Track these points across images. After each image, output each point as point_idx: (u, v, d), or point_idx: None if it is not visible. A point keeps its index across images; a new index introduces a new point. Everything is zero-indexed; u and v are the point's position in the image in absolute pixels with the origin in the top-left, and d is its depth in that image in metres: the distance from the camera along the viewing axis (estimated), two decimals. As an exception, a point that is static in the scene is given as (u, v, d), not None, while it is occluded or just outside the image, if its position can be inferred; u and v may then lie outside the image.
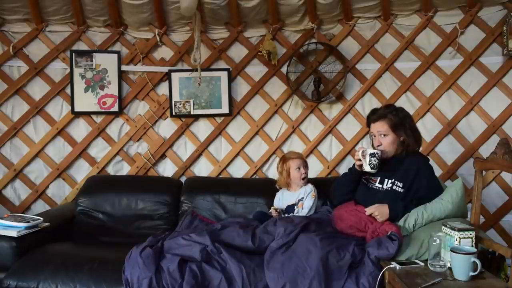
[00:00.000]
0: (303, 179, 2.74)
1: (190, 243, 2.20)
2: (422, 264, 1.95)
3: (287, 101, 3.36)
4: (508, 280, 2.04)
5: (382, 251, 2.01)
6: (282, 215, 2.64)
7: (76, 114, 3.34)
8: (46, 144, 3.32)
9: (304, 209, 2.65)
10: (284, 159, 2.81)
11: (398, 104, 3.04)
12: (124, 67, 3.37)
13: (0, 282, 2.20)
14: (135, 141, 3.39)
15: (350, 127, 3.30)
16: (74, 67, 3.30)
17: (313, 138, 3.32)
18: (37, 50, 3.33)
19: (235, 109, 3.37)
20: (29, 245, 2.39)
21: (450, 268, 1.84)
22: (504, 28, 2.99)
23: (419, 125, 3.13)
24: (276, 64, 3.30)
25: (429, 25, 3.21)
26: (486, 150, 3.01)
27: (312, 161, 3.27)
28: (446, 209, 2.20)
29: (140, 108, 3.41)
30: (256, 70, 3.38)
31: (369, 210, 2.25)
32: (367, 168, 2.33)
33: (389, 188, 2.35)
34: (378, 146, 2.40)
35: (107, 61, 3.34)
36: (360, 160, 2.35)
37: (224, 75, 3.34)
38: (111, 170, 3.38)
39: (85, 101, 3.31)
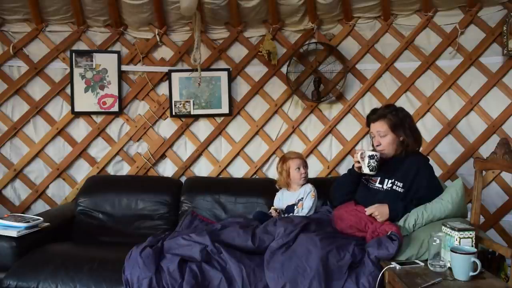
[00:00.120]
0: (303, 179, 2.74)
1: (190, 243, 2.20)
2: (422, 264, 1.95)
3: (287, 101, 3.36)
4: (508, 280, 2.04)
5: (382, 251, 2.01)
6: (282, 215, 2.64)
7: (76, 114, 3.34)
8: (46, 144, 3.32)
9: (304, 209, 2.65)
10: (284, 159, 2.81)
11: (398, 104, 3.04)
12: (124, 67, 3.37)
13: (0, 282, 2.20)
14: (135, 141, 3.39)
15: (350, 127, 3.30)
16: (74, 67, 3.30)
17: (313, 138, 3.32)
18: (37, 50, 3.33)
19: (235, 109, 3.37)
20: (29, 245, 2.39)
21: (450, 268, 1.84)
22: (504, 28, 2.99)
23: (419, 125, 3.12)
24: (276, 64, 3.30)
25: (429, 25, 3.21)
26: (486, 150, 3.01)
27: (312, 161, 3.27)
28: (446, 209, 2.20)
29: (140, 108, 3.41)
30: (256, 70, 3.38)
31: (369, 210, 2.25)
32: (366, 170, 2.33)
33: (389, 188, 2.35)
34: (377, 146, 2.41)
35: (107, 61, 3.34)
36: (359, 162, 2.35)
37: (224, 75, 3.34)
38: (111, 170, 3.38)
39: (85, 101, 3.31)
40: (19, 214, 2.67)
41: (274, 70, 3.34)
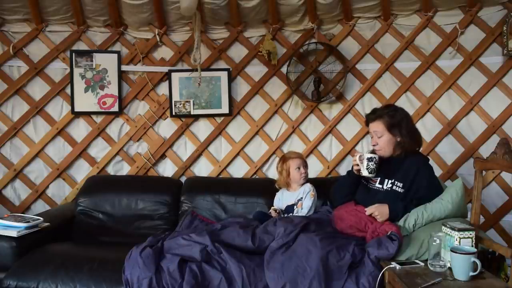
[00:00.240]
0: (303, 178, 2.74)
1: (190, 243, 2.20)
2: (422, 264, 1.95)
3: (287, 101, 3.36)
4: (508, 280, 2.04)
5: (382, 251, 2.01)
6: (282, 216, 2.64)
7: (76, 114, 3.34)
8: (46, 144, 3.32)
9: (303, 209, 2.65)
10: (284, 159, 2.81)
11: (398, 104, 3.04)
12: (124, 67, 3.37)
13: (0, 282, 2.20)
14: (135, 141, 3.39)
15: (350, 127, 3.30)
16: (74, 67, 3.30)
17: (313, 138, 3.32)
18: (37, 50, 3.33)
19: (235, 109, 3.37)
20: (29, 245, 2.39)
21: (450, 268, 1.84)
22: (504, 28, 2.99)
23: (419, 125, 3.13)
24: (276, 64, 3.30)
25: (429, 25, 3.21)
26: (486, 150, 3.01)
27: (312, 161, 3.27)
28: (446, 209, 2.20)
29: (140, 108, 3.41)
30: (256, 70, 3.38)
31: (369, 210, 2.25)
32: (365, 172, 2.33)
33: (389, 189, 2.35)
34: (374, 145, 2.42)
35: (107, 61, 3.34)
36: (358, 165, 2.35)
37: (224, 75, 3.34)
38: (111, 170, 3.38)
39: (85, 101, 3.31)
40: (19, 214, 2.67)
41: (274, 70, 3.34)
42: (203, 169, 3.39)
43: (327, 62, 3.29)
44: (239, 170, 3.38)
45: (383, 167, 2.37)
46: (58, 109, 3.35)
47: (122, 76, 3.36)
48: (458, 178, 2.50)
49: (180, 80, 3.35)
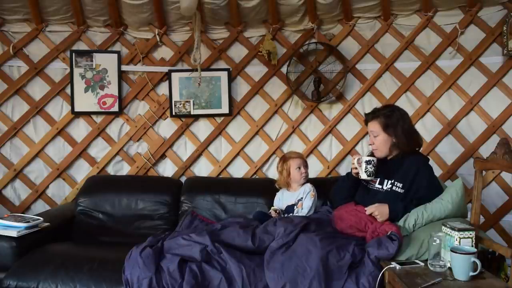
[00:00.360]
0: (303, 178, 2.74)
1: (190, 243, 2.20)
2: (422, 264, 1.95)
3: (287, 101, 3.36)
4: (508, 280, 2.04)
5: (382, 251, 2.01)
6: (282, 216, 2.64)
7: (76, 114, 3.34)
8: (46, 144, 3.32)
9: (303, 209, 2.65)
10: (284, 159, 2.81)
11: (398, 104, 3.04)
12: (124, 67, 3.37)
13: (0, 282, 2.20)
14: (135, 141, 3.39)
15: (350, 127, 3.30)
16: (74, 67, 3.30)
17: (313, 138, 3.32)
18: (37, 50, 3.33)
19: (235, 109, 3.37)
20: (29, 245, 2.39)
21: (450, 268, 1.84)
22: (504, 28, 2.99)
23: (419, 125, 3.14)
24: (276, 64, 3.30)
25: (429, 25, 3.21)
26: (486, 150, 3.01)
27: (312, 161, 3.27)
28: (446, 209, 2.20)
29: (140, 108, 3.41)
30: (256, 70, 3.38)
31: (369, 210, 2.25)
32: (363, 176, 2.33)
33: (389, 189, 2.35)
34: (370, 145, 2.44)
35: (107, 61, 3.34)
36: (356, 168, 2.35)
37: (224, 75, 3.34)
38: (111, 170, 3.38)
39: (85, 101, 3.31)
40: (19, 214, 2.67)
41: (274, 70, 3.34)
42: (203, 169, 3.39)
43: (327, 62, 3.30)
44: (239, 170, 3.38)
45: (383, 167, 2.37)
46: (58, 109, 3.35)
47: (122, 76, 3.36)
48: (458, 178, 2.50)
49: (180, 80, 3.35)
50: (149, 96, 3.40)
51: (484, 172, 2.23)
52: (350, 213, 2.30)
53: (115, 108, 3.34)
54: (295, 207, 2.69)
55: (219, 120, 3.39)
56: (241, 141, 3.36)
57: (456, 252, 1.77)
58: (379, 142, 2.39)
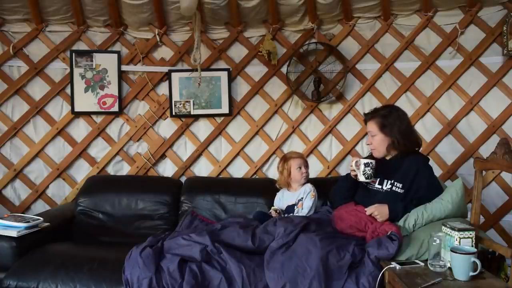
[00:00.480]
0: (304, 178, 2.74)
1: (190, 243, 2.20)
2: (422, 264, 1.95)
3: (287, 101, 3.36)
4: (508, 280, 2.04)
5: (382, 251, 2.01)
6: (282, 216, 2.64)
7: (76, 114, 3.34)
8: (46, 144, 3.32)
9: (304, 209, 2.65)
10: (285, 159, 2.81)
11: (398, 104, 3.04)
12: (124, 67, 3.37)
13: (0, 282, 2.20)
14: (135, 141, 3.39)
15: (350, 127, 3.30)
16: (74, 67, 3.30)
17: (313, 138, 3.32)
18: (37, 50, 3.33)
19: (235, 109, 3.37)
20: (29, 245, 2.39)
21: (450, 268, 1.84)
22: (504, 28, 2.99)
23: (419, 125, 3.14)
24: (276, 64, 3.30)
25: (429, 25, 3.21)
26: (486, 150, 3.01)
27: (312, 161, 3.27)
28: (446, 209, 2.20)
29: (140, 108, 3.41)
30: (256, 70, 3.38)
31: (369, 210, 2.25)
32: (361, 178, 2.33)
33: (389, 189, 2.35)
34: (368, 144, 2.45)
35: (107, 61, 3.34)
36: (354, 170, 2.35)
37: (224, 75, 3.34)
38: (111, 170, 3.38)
39: (85, 101, 3.31)
40: (19, 214, 2.67)
41: (274, 70, 3.34)
42: (203, 169, 3.39)
43: (327, 62, 3.29)
44: (239, 170, 3.38)
45: (382, 167, 2.37)
46: (58, 109, 3.35)
47: (122, 76, 3.36)
48: (458, 178, 2.50)
49: (180, 80, 3.35)
50: (149, 96, 3.40)
51: (484, 172, 2.23)
52: (350, 213, 2.30)
53: (115, 108, 3.34)
54: (295, 207, 2.69)
55: (219, 120, 3.39)
56: (241, 141, 3.36)
57: (456, 252, 1.77)
58: (376, 142, 2.40)
